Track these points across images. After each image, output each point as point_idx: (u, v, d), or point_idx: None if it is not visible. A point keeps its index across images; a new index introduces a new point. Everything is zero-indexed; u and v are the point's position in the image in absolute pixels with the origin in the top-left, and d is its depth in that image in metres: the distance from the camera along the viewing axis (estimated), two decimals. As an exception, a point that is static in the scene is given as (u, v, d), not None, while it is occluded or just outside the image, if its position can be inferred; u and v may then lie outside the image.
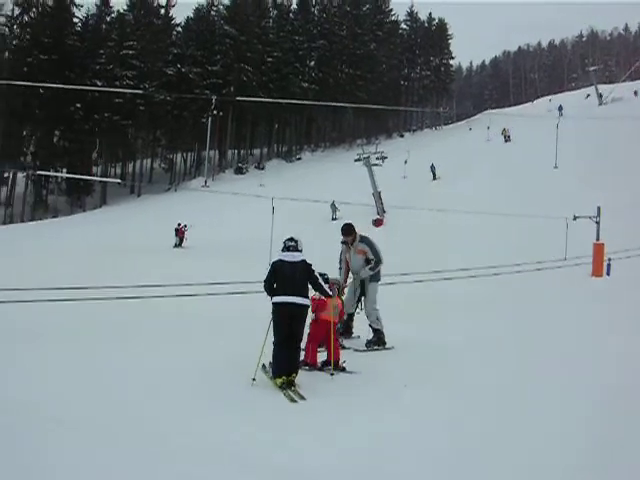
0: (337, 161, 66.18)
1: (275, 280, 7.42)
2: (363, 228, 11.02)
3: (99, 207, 65.01)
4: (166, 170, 78.97)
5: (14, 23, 72.55)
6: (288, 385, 7.04)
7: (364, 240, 9.94)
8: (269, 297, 7.47)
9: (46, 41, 69.79)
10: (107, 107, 67.09)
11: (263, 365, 7.61)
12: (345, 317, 9.62)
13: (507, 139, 57.41)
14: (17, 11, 72.51)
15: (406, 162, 50.18)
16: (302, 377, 7.41)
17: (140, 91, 58.26)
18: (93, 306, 11.89)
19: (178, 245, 34.11)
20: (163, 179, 72.63)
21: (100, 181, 61.42)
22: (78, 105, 68.28)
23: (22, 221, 64.82)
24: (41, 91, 65.75)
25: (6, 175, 70.30)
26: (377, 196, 39.87)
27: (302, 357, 7.95)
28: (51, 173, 61.48)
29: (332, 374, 7.73)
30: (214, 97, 52.41)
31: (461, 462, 5.32)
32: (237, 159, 78.59)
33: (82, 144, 68.30)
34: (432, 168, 48.24)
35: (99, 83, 65.42)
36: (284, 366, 7.18)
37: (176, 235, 34.51)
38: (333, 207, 39.60)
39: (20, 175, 69.33)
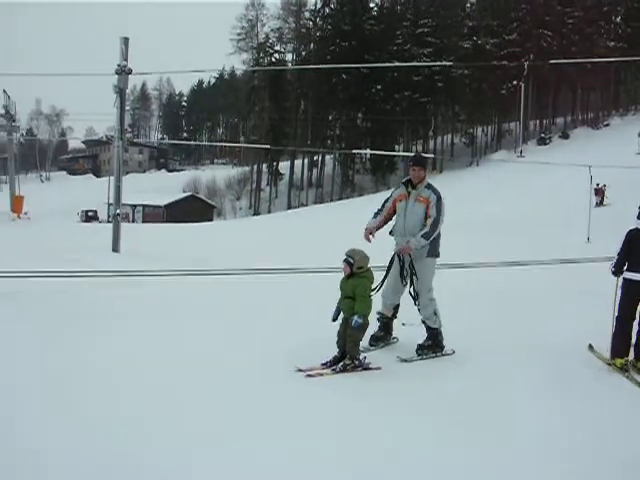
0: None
1: (628, 252, 6.43)
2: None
3: (404, 184, 66.35)
4: (467, 145, 78.58)
5: (317, 16, 78.19)
6: (636, 369, 6.21)
7: (432, 188, 6.70)
8: (612, 270, 6.48)
9: (346, 29, 73.61)
10: (406, 86, 68.43)
11: (590, 345, 6.86)
12: (386, 312, 6.94)
13: None
14: (319, 5, 78.09)
15: None
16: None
17: (448, 63, 57.90)
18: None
19: (600, 204, 34.35)
20: (464, 153, 72.05)
21: (403, 157, 62.71)
22: (378, 87, 70.76)
23: (331, 200, 69.19)
24: (344, 76, 69.61)
25: (316, 158, 75.79)
26: None
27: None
28: (360, 151, 64.32)
29: None
30: (526, 63, 49.78)
31: None
32: (539, 129, 74.99)
33: (384, 124, 70.54)
34: None
35: (397, 63, 66.81)
36: (624, 346, 6.36)
37: (596, 194, 34.23)
38: None
39: (328, 157, 74.08)
